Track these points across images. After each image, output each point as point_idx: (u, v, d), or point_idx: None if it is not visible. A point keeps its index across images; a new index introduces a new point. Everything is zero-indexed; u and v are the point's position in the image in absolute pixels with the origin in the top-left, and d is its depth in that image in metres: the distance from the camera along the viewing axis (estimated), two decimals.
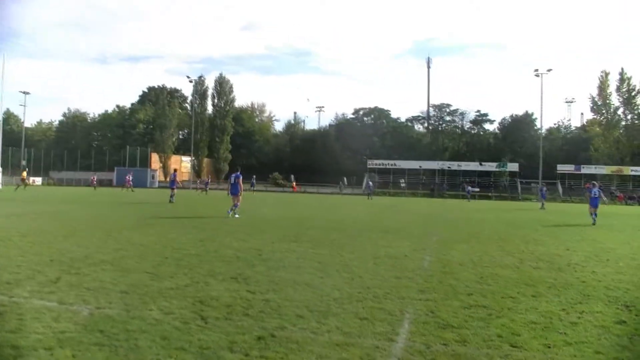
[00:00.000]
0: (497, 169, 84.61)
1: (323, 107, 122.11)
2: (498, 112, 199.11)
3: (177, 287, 7.73)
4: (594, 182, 32.57)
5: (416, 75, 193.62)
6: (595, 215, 25.55)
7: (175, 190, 33.81)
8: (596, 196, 26.63)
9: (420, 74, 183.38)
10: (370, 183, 60.77)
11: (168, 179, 37.30)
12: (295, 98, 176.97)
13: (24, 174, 44.04)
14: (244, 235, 15.00)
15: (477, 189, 75.84)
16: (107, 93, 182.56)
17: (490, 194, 72.85)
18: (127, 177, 56.47)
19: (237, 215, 22.07)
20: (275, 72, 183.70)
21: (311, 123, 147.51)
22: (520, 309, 7.12)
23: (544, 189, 47.59)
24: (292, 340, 5.49)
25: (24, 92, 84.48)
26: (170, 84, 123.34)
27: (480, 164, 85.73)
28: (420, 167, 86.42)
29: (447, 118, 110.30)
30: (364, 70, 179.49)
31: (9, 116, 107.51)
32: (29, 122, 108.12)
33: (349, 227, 19.46)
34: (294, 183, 72.39)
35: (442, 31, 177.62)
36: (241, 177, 23.62)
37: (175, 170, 37.08)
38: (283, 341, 5.44)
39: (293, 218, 23.05)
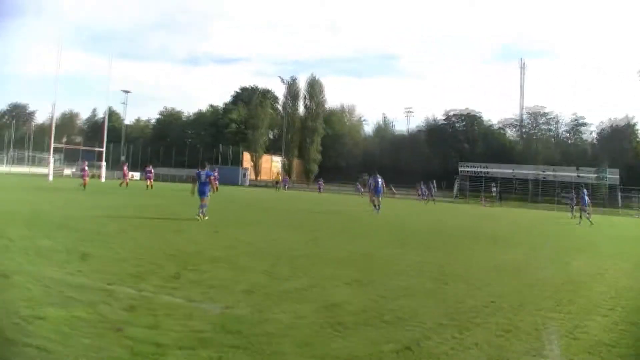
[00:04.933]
0: (596, 181, 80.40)
1: (412, 109, 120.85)
2: (596, 117, 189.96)
3: (299, 289, 7.45)
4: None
5: (508, 79, 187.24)
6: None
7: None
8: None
9: (512, 77, 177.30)
10: (423, 187, 57.99)
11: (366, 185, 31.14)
12: (384, 100, 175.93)
13: (125, 168, 45.63)
14: (350, 238, 14.72)
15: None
16: (200, 93, 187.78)
17: None
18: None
19: None
20: (362, 75, 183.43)
21: (400, 125, 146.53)
22: None
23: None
24: (440, 352, 5.10)
25: (125, 91, 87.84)
26: (258, 85, 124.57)
27: (577, 171, 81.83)
28: (513, 173, 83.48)
29: (542, 123, 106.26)
30: (452, 73, 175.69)
31: (110, 113, 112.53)
32: (128, 119, 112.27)
33: (452, 233, 18.76)
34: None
35: (532, 34, 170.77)
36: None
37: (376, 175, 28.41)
38: (432, 353, 5.05)
39: (391, 223, 22.50)
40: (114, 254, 9.35)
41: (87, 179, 37.42)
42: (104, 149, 60.03)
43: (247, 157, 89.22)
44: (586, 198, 31.74)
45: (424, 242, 14.92)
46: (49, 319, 5.34)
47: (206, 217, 17.26)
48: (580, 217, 31.69)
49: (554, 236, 20.87)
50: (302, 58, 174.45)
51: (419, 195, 57.15)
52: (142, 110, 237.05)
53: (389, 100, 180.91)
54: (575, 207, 33.35)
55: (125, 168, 45.48)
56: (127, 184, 42.83)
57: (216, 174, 36.78)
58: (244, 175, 71.75)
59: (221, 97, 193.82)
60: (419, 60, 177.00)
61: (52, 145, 53.59)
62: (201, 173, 18.28)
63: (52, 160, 52.81)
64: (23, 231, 11.78)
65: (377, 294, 7.40)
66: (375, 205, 27.17)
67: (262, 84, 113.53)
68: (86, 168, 38.62)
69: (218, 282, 7.52)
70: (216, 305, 6.28)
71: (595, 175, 79.69)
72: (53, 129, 56.76)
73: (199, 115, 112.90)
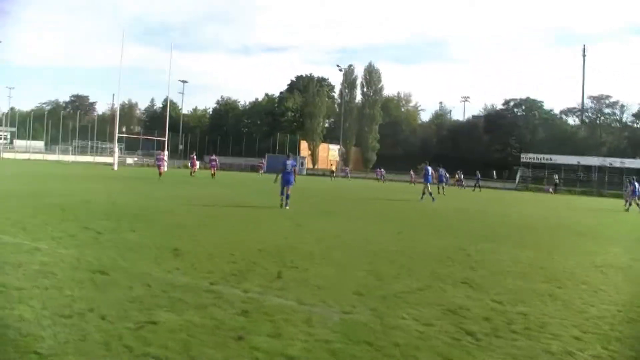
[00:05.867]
0: None
1: (468, 97, 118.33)
2: None
3: (411, 291, 6.94)
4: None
5: (570, 65, 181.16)
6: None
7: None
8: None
9: (574, 63, 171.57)
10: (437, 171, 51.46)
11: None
12: (438, 88, 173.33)
13: (194, 158, 46.37)
14: (434, 231, 14.15)
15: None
16: (254, 82, 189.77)
17: None
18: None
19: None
20: (413, 61, 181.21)
21: (456, 114, 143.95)
22: None
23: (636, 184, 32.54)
24: None
25: (183, 81, 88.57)
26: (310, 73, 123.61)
27: None
28: (578, 162, 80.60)
29: (606, 110, 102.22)
30: (510, 60, 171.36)
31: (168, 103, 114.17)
32: (185, 109, 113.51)
33: (535, 225, 17.89)
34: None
35: (590, 17, 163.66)
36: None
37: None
38: None
39: (466, 213, 21.76)
40: (203, 250, 9.03)
41: (163, 168, 38.54)
42: (166, 139, 60.65)
43: (304, 145, 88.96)
44: (637, 188, 31.40)
45: (511, 236, 14.17)
46: (163, 325, 4.99)
47: (287, 207, 17.81)
48: (630, 204, 31.52)
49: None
50: (351, 45, 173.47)
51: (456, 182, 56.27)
52: (198, 99, 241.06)
53: (443, 88, 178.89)
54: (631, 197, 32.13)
55: (194, 157, 46.12)
56: (193, 173, 43.64)
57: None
58: (302, 164, 71.52)
59: (275, 86, 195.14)
60: (473, 46, 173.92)
61: (117, 135, 54.50)
62: (287, 162, 18.86)
63: (117, 149, 53.72)
64: (106, 223, 11.67)
65: (493, 297, 6.85)
66: (423, 194, 27.84)
67: (313, 72, 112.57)
68: (164, 158, 39.71)
69: (323, 282, 7.08)
70: (332, 309, 5.83)
71: None
72: (117, 119, 57.79)
73: (255, 104, 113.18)
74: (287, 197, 18.18)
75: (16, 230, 9.98)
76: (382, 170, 66.63)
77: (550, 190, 64.34)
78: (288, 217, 15.26)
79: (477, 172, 56.74)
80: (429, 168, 28.70)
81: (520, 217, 20.96)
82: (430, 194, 27.77)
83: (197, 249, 9.00)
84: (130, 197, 19.76)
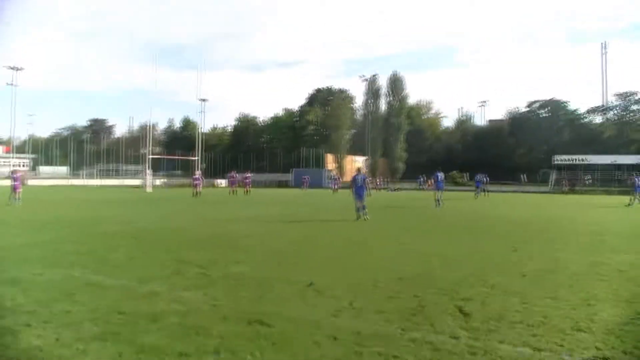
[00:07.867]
0: None
1: (486, 101, 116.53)
2: None
3: (628, 322, 5.84)
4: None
5: (591, 64, 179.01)
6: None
7: None
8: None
9: (595, 61, 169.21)
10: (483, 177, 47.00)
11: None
12: (455, 94, 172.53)
13: (234, 176, 45.76)
14: (547, 244, 13.04)
15: None
16: (270, 98, 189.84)
17: None
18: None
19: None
20: (428, 69, 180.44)
21: (475, 118, 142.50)
22: None
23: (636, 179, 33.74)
24: None
25: (202, 100, 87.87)
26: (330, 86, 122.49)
27: None
28: (614, 162, 78.29)
29: (634, 107, 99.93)
30: (526, 61, 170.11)
31: (187, 123, 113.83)
32: (203, 128, 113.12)
33: (582, 229, 16.88)
34: None
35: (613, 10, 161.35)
36: None
37: None
38: None
39: (541, 221, 20.58)
40: (337, 282, 7.85)
41: (200, 188, 39.99)
42: (197, 158, 59.96)
43: (329, 158, 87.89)
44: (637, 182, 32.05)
45: (631, 245, 13.10)
46: None
47: (367, 217, 19.09)
48: (633, 199, 31.88)
49: None
50: (363, 57, 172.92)
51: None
52: (215, 118, 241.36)
53: (460, 93, 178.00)
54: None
55: (234, 175, 45.67)
56: (235, 192, 43.24)
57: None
58: (330, 177, 70.51)
59: (293, 100, 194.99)
60: (487, 50, 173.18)
61: (149, 157, 53.81)
62: (357, 177, 20.00)
63: (149, 171, 53.01)
64: (198, 254, 10.62)
65: None
66: (436, 201, 28.13)
67: (330, 85, 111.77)
68: (200, 177, 41.67)
69: (523, 317, 5.98)
70: (581, 356, 4.73)
71: None
72: (150, 140, 57.07)
73: (276, 120, 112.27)
74: (364, 207, 19.39)
75: (108, 269, 8.93)
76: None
77: (565, 187, 63.63)
78: (385, 236, 14.51)
79: (484, 175, 48.66)
80: (440, 174, 29.25)
81: (600, 223, 19.58)
82: (437, 200, 28.20)
83: (330, 282, 7.86)
84: (192, 221, 18.68)
